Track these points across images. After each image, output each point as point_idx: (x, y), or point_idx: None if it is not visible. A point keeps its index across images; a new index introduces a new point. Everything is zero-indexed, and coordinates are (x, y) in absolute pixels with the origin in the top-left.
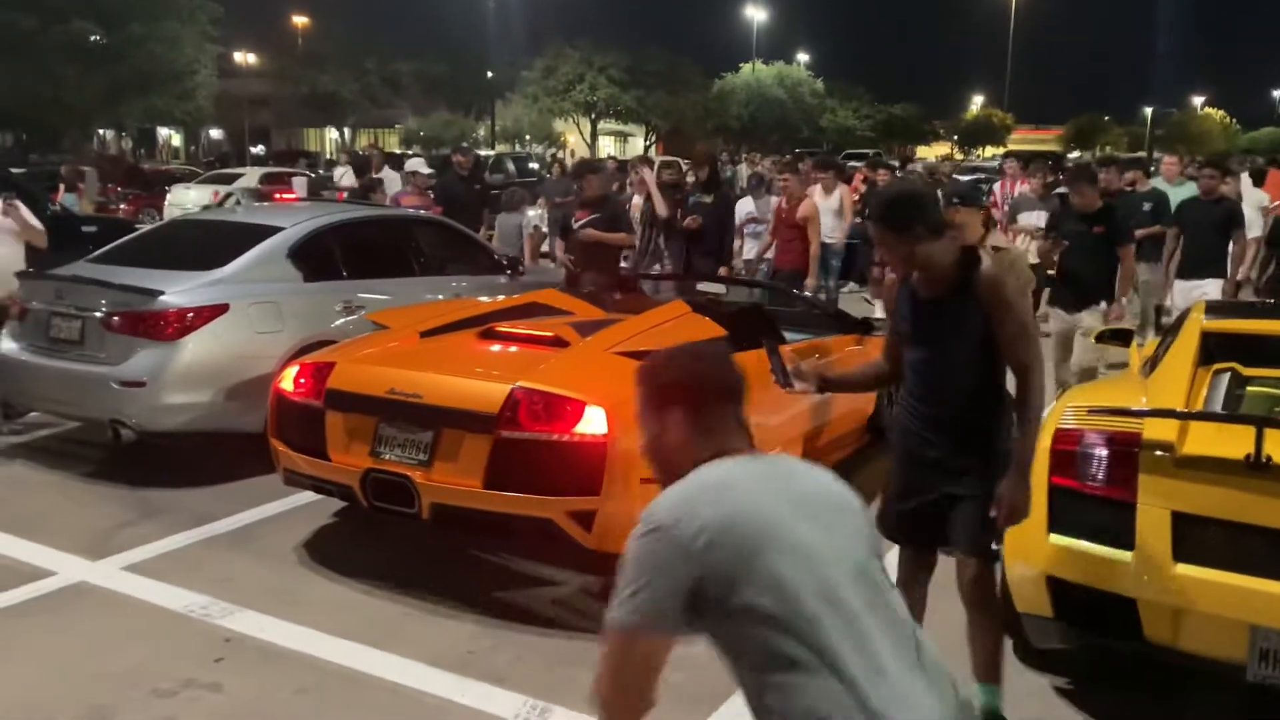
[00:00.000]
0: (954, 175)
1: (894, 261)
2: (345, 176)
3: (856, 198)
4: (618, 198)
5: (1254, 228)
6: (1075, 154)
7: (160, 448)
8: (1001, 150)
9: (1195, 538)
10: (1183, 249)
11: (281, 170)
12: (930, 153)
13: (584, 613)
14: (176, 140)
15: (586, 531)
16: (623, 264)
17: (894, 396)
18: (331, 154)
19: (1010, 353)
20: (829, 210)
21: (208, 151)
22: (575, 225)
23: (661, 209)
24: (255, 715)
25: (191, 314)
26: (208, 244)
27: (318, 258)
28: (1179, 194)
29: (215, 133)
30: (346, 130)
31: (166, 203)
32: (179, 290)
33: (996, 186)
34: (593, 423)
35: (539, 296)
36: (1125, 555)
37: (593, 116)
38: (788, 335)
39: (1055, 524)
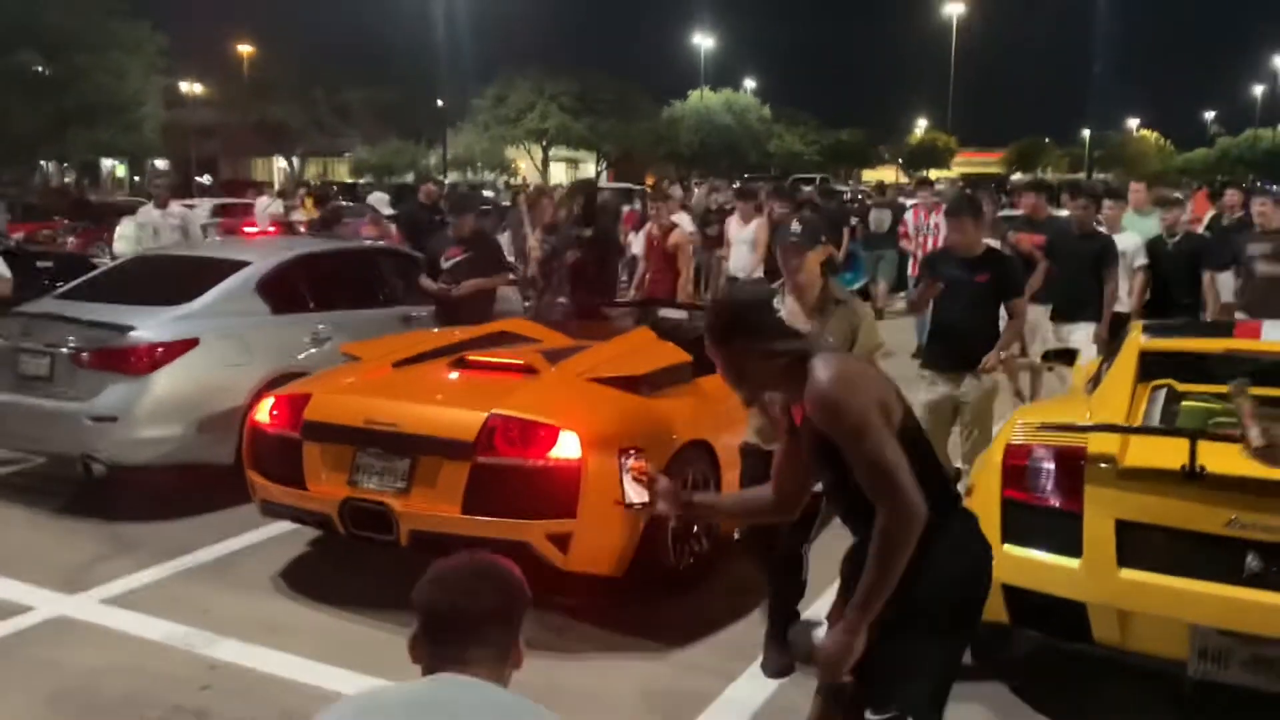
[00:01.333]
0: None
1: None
2: (270, 207)
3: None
4: (492, 235)
5: (1140, 258)
6: (1017, 175)
7: (130, 482)
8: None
9: (1137, 544)
10: (1055, 289)
11: (234, 201)
12: (877, 176)
13: (560, 631)
14: (121, 171)
15: (563, 553)
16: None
17: None
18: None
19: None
20: (743, 241)
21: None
22: (445, 263)
23: (533, 242)
24: None
25: (162, 349)
26: (175, 279)
27: (285, 290)
28: (1145, 226)
29: (160, 163)
30: (295, 159)
31: (116, 235)
32: (149, 325)
33: (909, 215)
34: (567, 447)
35: (507, 325)
36: (1073, 562)
37: (544, 144)
38: None
39: (1008, 535)
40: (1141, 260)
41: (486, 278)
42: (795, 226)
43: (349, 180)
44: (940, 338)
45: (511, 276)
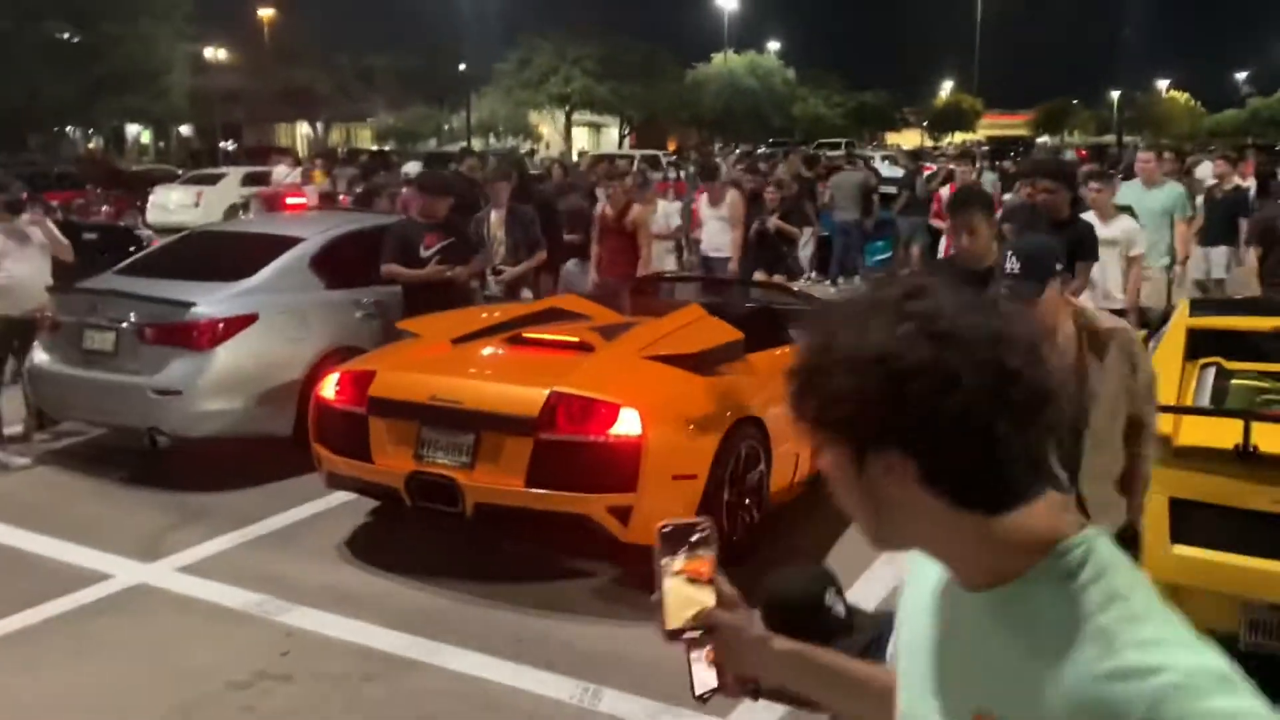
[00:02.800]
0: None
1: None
2: (289, 176)
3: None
4: (462, 217)
5: (1136, 245)
6: (1044, 139)
7: (193, 453)
8: (972, 135)
9: (1191, 521)
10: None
11: (265, 170)
12: (901, 139)
13: (621, 601)
14: (146, 138)
15: (624, 526)
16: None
17: None
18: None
19: None
20: (715, 218)
21: (178, 149)
22: (426, 252)
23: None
24: (330, 703)
25: (222, 324)
26: (232, 255)
27: (337, 266)
28: (1151, 203)
29: (185, 129)
30: (319, 125)
31: (150, 204)
32: (210, 301)
33: (944, 191)
34: (628, 424)
35: (558, 301)
36: None
37: (567, 109)
38: (795, 335)
39: None
40: (1138, 249)
41: (467, 263)
42: (1012, 263)
43: (374, 147)
44: None
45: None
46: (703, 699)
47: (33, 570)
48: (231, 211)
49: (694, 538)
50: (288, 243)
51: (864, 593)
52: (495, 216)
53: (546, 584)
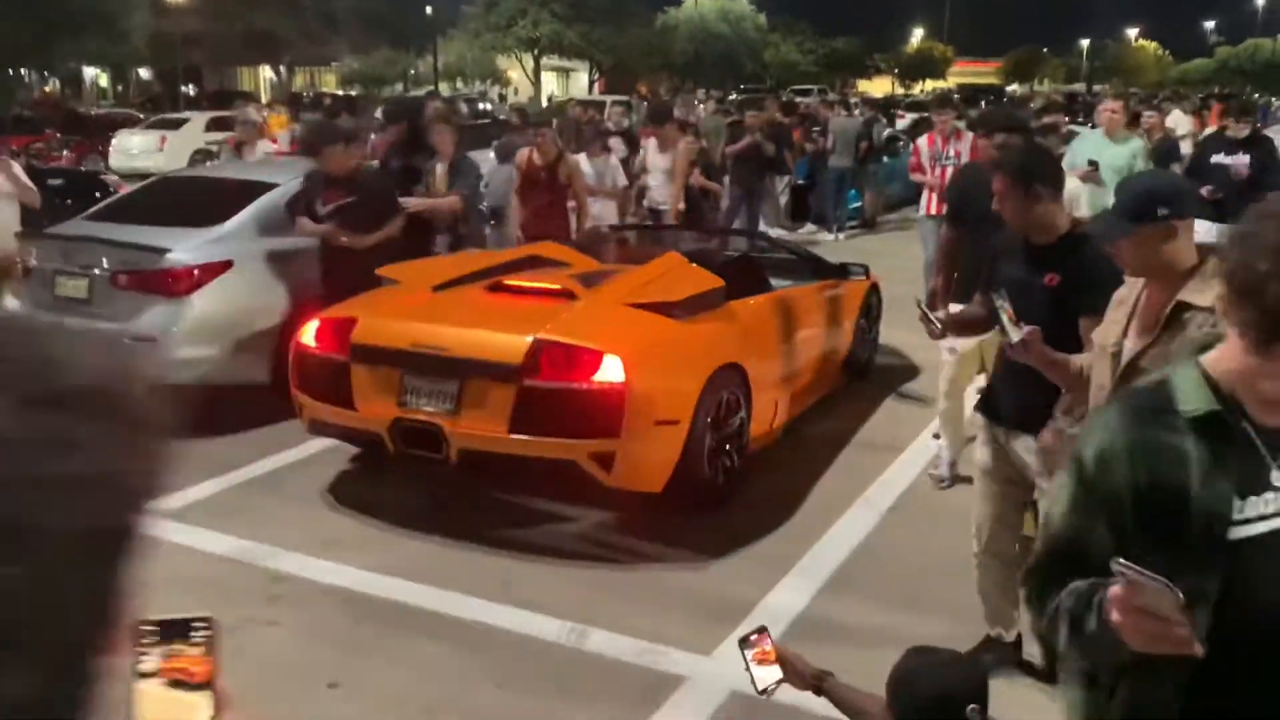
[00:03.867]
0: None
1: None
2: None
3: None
4: (377, 172)
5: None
6: (1014, 87)
7: (169, 401)
8: (943, 84)
9: None
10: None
11: (229, 114)
12: (872, 87)
13: (605, 545)
14: (104, 81)
15: (607, 471)
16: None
17: (868, 334)
18: (266, 95)
19: None
20: (659, 169)
21: (137, 93)
22: (321, 210)
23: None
24: (320, 644)
25: (198, 270)
26: (205, 201)
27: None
28: (1115, 157)
29: (144, 73)
30: (282, 69)
31: (112, 148)
32: (185, 248)
33: (922, 142)
34: (611, 371)
35: (538, 249)
36: None
37: (535, 53)
38: (774, 283)
39: None
40: (1081, 211)
41: (380, 226)
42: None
43: (339, 91)
44: (998, 375)
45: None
46: (766, 692)
47: None
48: (197, 156)
49: (752, 637)
50: (261, 188)
51: (839, 535)
52: (440, 169)
53: (530, 529)
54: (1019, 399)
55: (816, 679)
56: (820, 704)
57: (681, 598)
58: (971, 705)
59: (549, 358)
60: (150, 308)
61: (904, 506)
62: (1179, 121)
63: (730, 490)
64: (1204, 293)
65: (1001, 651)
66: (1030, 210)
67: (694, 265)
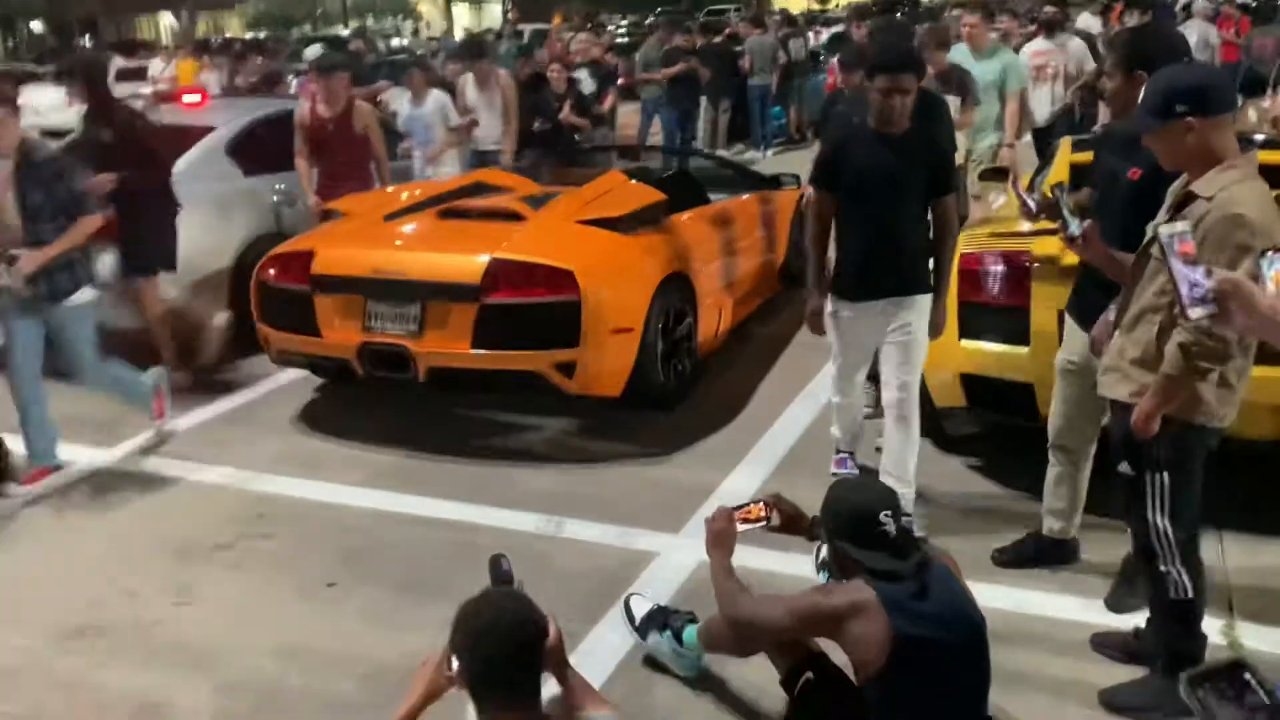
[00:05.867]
0: None
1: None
2: (166, 70)
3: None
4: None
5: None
6: None
7: (129, 342)
8: None
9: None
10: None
11: (138, 65)
12: (789, 3)
13: (571, 447)
14: None
15: (569, 379)
16: None
17: (801, 248)
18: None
19: None
20: (487, 107)
21: (29, 47)
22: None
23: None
24: (312, 553)
25: None
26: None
27: (253, 152)
28: (988, 73)
29: (36, 25)
30: (184, 14)
31: (20, 106)
32: None
33: (835, 62)
34: (566, 284)
35: (480, 176)
36: (1022, 349)
37: None
38: (710, 196)
39: (965, 332)
40: (1019, 85)
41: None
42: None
43: (245, 35)
44: (1086, 271)
45: None
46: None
47: None
48: None
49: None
50: (200, 132)
51: (786, 425)
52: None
53: (499, 438)
54: (1107, 299)
55: (775, 500)
56: (791, 568)
57: (647, 486)
58: (885, 511)
59: (506, 276)
60: (102, 253)
61: None
62: (1089, 25)
63: (683, 392)
64: (1210, 184)
65: (1062, 549)
66: (1131, 94)
67: (635, 182)
